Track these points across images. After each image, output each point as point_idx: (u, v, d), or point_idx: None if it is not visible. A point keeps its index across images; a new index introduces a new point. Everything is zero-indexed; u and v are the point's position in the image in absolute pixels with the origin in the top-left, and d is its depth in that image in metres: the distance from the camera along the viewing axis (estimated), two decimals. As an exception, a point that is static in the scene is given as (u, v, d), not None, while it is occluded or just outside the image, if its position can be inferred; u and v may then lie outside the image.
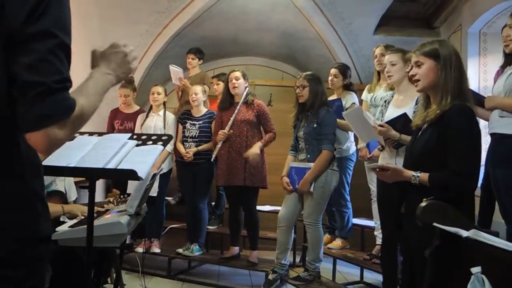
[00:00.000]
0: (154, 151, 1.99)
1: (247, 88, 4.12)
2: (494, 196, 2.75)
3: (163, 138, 2.13)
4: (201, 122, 4.41)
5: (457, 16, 5.01)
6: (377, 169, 2.17)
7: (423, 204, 1.71)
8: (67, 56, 1.04)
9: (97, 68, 1.25)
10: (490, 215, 2.83)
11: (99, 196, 4.37)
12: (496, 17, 4.46)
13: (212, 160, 4.22)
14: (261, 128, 4.16)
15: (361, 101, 4.15)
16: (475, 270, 1.28)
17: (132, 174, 1.78)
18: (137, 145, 2.06)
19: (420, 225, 1.71)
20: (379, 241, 3.94)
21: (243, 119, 4.06)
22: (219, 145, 4.09)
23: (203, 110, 4.49)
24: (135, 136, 2.13)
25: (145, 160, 1.91)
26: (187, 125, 4.43)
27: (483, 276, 1.26)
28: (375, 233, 3.98)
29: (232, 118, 4.04)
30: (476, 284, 1.25)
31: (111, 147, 1.97)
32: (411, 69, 2.16)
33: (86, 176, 1.92)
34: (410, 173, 2.04)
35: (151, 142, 2.08)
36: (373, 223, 4.04)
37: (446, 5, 5.12)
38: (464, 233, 1.44)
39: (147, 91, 4.93)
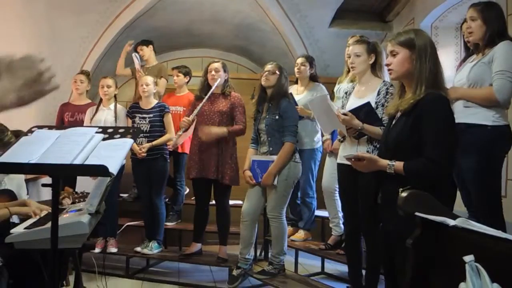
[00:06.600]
0: (124, 145, 1.85)
1: (219, 80, 3.89)
2: (456, 184, 2.83)
3: (131, 131, 2.00)
4: (151, 115, 4.20)
5: (409, 10, 5.12)
6: (353, 159, 2.16)
7: (404, 194, 1.69)
8: None
9: None
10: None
11: (48, 194, 4.12)
12: (447, 11, 4.59)
13: (171, 148, 4.15)
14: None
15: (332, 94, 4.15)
16: (468, 258, 1.27)
17: (102, 170, 1.65)
18: (104, 139, 1.92)
19: (401, 215, 1.70)
20: (334, 232, 4.04)
21: (217, 109, 3.91)
22: (180, 133, 3.90)
23: (153, 102, 4.27)
24: (100, 130, 1.99)
25: (115, 155, 1.77)
26: (137, 119, 4.21)
27: (477, 264, 1.26)
28: (331, 225, 4.07)
29: (199, 107, 3.86)
30: (471, 272, 1.24)
31: (76, 141, 1.82)
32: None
33: (51, 173, 1.76)
34: (385, 162, 2.04)
35: (118, 136, 1.95)
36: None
37: (399, -1, 5.24)
38: (451, 222, 1.44)
39: (97, 84, 4.69)
